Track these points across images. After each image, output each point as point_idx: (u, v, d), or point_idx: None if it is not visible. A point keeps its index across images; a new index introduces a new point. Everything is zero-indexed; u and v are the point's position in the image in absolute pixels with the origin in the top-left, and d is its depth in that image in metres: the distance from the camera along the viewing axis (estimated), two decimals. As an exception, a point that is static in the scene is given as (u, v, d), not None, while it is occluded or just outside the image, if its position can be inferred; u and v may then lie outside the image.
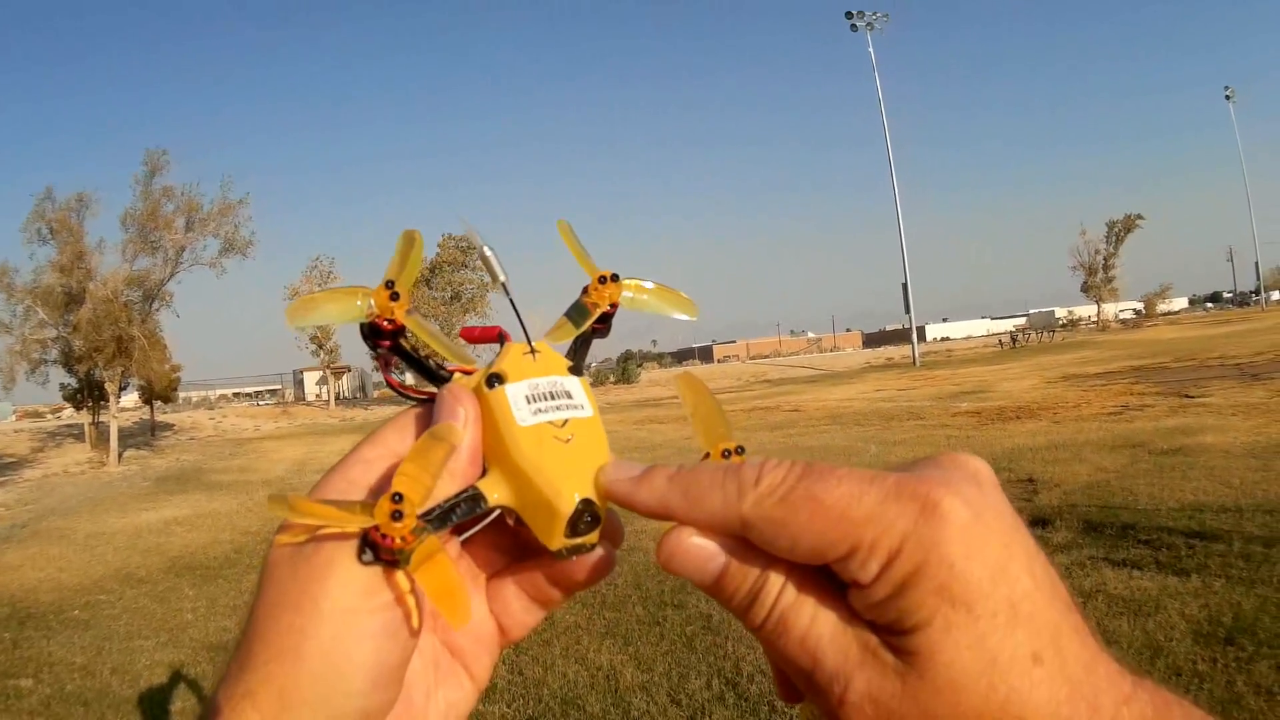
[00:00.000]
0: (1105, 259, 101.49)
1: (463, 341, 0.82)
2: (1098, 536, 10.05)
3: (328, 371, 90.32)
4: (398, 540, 0.63)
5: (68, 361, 42.22)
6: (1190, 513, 10.45)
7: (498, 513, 0.73)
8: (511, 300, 0.79)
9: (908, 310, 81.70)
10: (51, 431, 55.66)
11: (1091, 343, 71.23)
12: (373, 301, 0.74)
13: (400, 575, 0.66)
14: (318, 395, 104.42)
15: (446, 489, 0.69)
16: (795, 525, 0.59)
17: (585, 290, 0.84)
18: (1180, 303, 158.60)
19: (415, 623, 0.68)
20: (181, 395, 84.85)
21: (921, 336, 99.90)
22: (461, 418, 0.72)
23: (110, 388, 40.98)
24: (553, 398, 0.74)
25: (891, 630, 0.57)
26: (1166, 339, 62.41)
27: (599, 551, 0.73)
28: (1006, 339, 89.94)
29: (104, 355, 39.47)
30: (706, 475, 0.64)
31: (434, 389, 0.77)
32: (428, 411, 0.75)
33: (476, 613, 0.79)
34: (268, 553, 0.69)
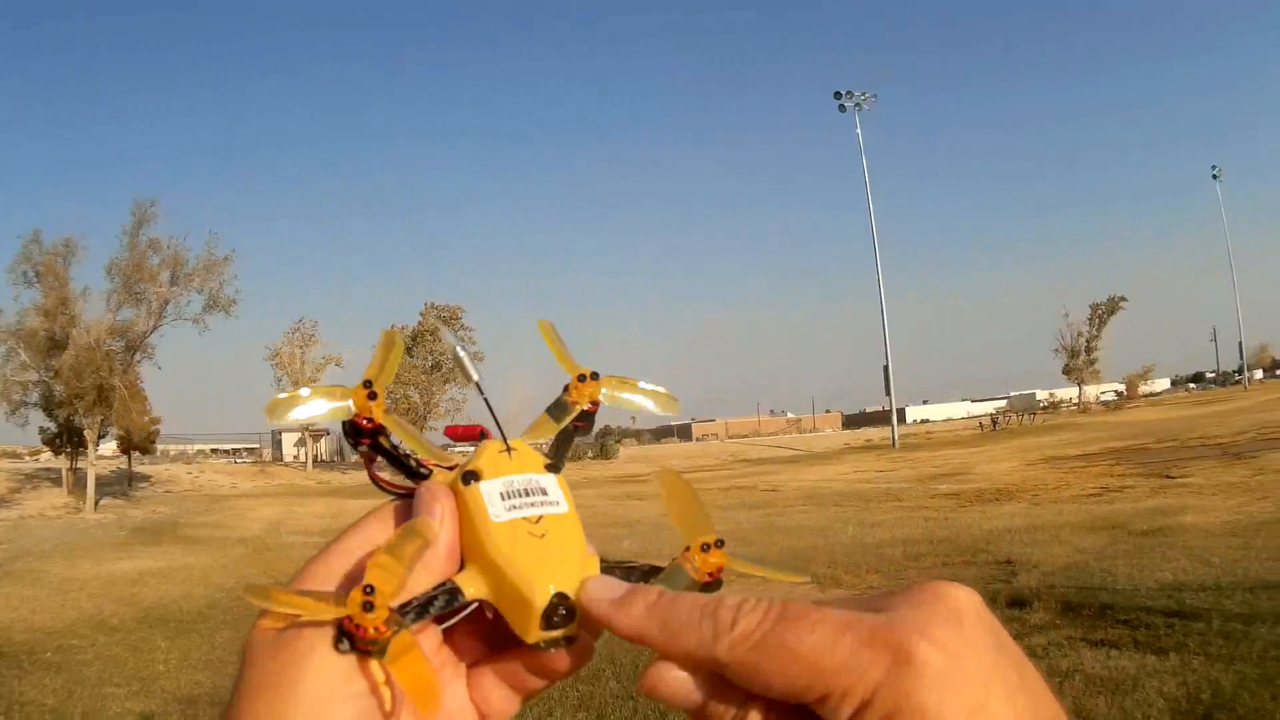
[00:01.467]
0: (1088, 341, 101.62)
1: (446, 440, 0.87)
2: (1075, 617, 10.05)
3: (306, 434, 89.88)
4: (371, 631, 0.63)
5: (48, 405, 42.14)
6: (1170, 592, 10.50)
7: (475, 606, 0.73)
8: (485, 399, 0.81)
9: (888, 392, 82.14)
10: (29, 474, 55.28)
11: (1073, 425, 71.36)
12: (351, 401, 0.76)
13: (375, 665, 0.66)
14: (295, 456, 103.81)
15: (425, 583, 0.70)
16: (768, 672, 0.59)
17: (565, 389, 0.86)
18: (1162, 383, 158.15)
19: (388, 709, 0.68)
20: (159, 447, 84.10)
21: (901, 418, 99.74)
22: (438, 514, 0.73)
23: (89, 435, 40.86)
24: (527, 494, 0.75)
25: None
26: (1148, 420, 62.55)
27: (577, 642, 0.73)
28: (987, 421, 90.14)
29: (84, 402, 39.41)
30: (685, 611, 0.65)
31: (413, 484, 0.78)
32: (408, 505, 0.76)
33: (456, 701, 0.78)
34: (249, 634, 0.70)
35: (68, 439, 44.88)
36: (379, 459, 0.79)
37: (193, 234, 43.76)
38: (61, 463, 48.04)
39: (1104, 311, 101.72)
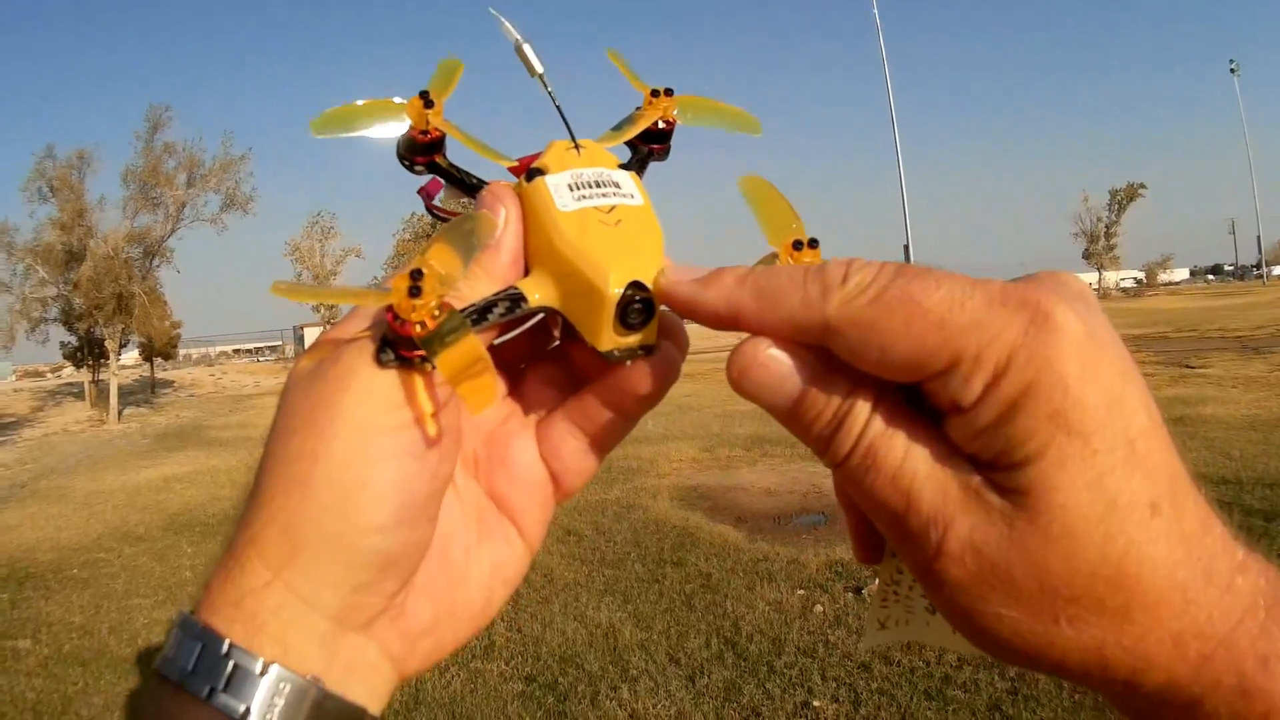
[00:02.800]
0: (1107, 227, 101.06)
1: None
2: None
3: (327, 327, 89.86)
4: (417, 326, 0.55)
5: (68, 320, 42.06)
6: (1191, 483, 10.39)
7: (540, 316, 0.70)
8: (550, 93, 0.73)
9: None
10: (51, 390, 55.33)
11: (1093, 311, 71.13)
12: (410, 109, 0.69)
13: (422, 390, 0.58)
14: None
15: (484, 290, 0.63)
16: (888, 330, 0.51)
17: (635, 110, 0.78)
18: (1181, 273, 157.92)
19: (448, 447, 0.61)
20: (182, 352, 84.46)
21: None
22: (501, 215, 0.66)
23: (110, 345, 40.79)
24: (599, 185, 0.68)
25: (997, 466, 0.50)
26: (1167, 309, 62.24)
27: (659, 352, 0.66)
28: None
29: (104, 313, 39.33)
30: (785, 274, 0.56)
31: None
32: None
33: (525, 457, 0.71)
34: (287, 377, 0.63)
35: (89, 351, 44.90)
36: (438, 190, 0.74)
37: (208, 135, 43.70)
38: (84, 376, 48.09)
39: (1123, 198, 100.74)
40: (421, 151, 0.71)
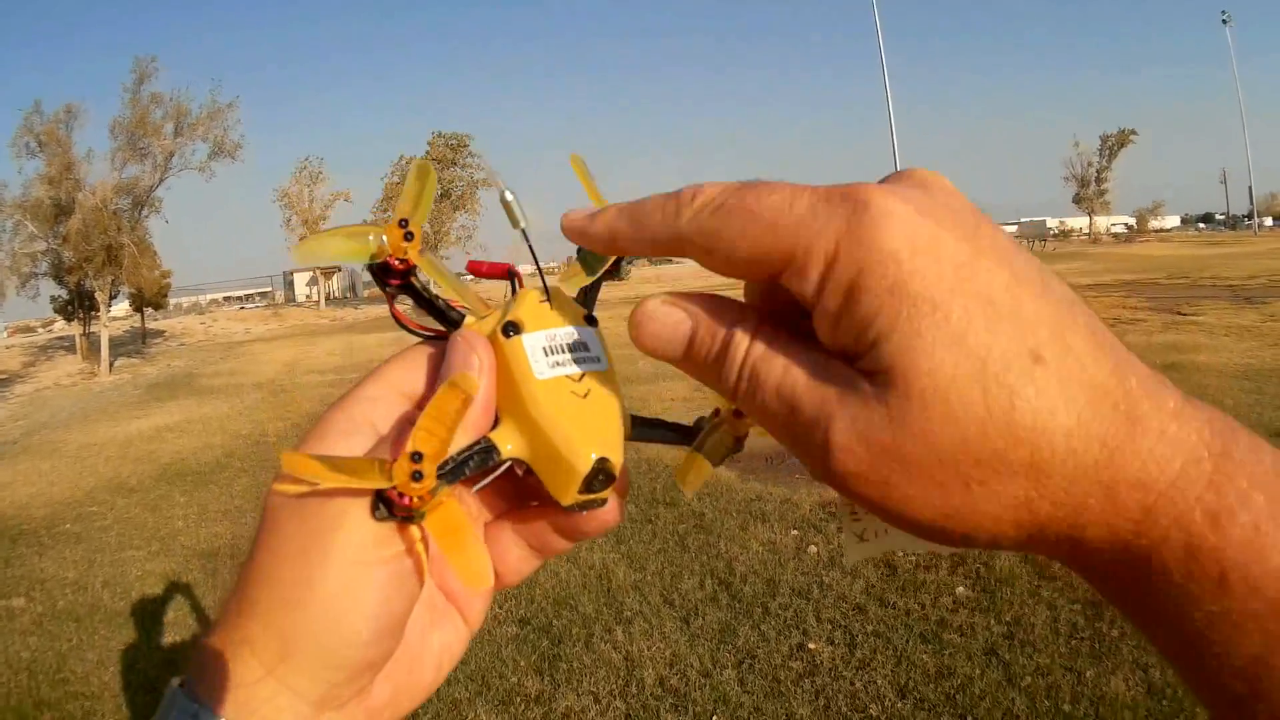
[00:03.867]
0: (1098, 172, 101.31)
1: (467, 274, 0.78)
2: None
3: (317, 272, 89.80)
4: (415, 500, 0.60)
5: (58, 273, 41.98)
6: (1185, 432, 10.40)
7: (509, 465, 0.69)
8: (530, 247, 0.76)
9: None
10: (43, 345, 55.38)
11: (1084, 254, 71.19)
12: (385, 239, 0.69)
13: (412, 527, 0.63)
14: (308, 296, 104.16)
15: (459, 440, 0.65)
16: (729, 235, 0.55)
17: None
18: (1172, 221, 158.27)
19: (423, 573, 0.66)
20: (172, 301, 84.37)
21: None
22: (476, 366, 0.67)
23: (101, 297, 40.80)
24: (570, 350, 0.70)
25: (859, 353, 0.51)
26: (1158, 255, 62.38)
27: (609, 505, 0.71)
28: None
29: (94, 265, 39.31)
30: (650, 200, 0.62)
31: (439, 326, 0.74)
32: (435, 349, 0.72)
33: None
34: (266, 497, 0.66)
35: (79, 304, 44.94)
36: (403, 298, 0.74)
37: (195, 84, 43.69)
38: (74, 329, 48.10)
39: (1114, 143, 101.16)
40: (396, 276, 0.71)
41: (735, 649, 6.16)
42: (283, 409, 20.42)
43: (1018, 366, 0.47)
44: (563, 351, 0.70)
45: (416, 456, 0.60)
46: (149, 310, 61.64)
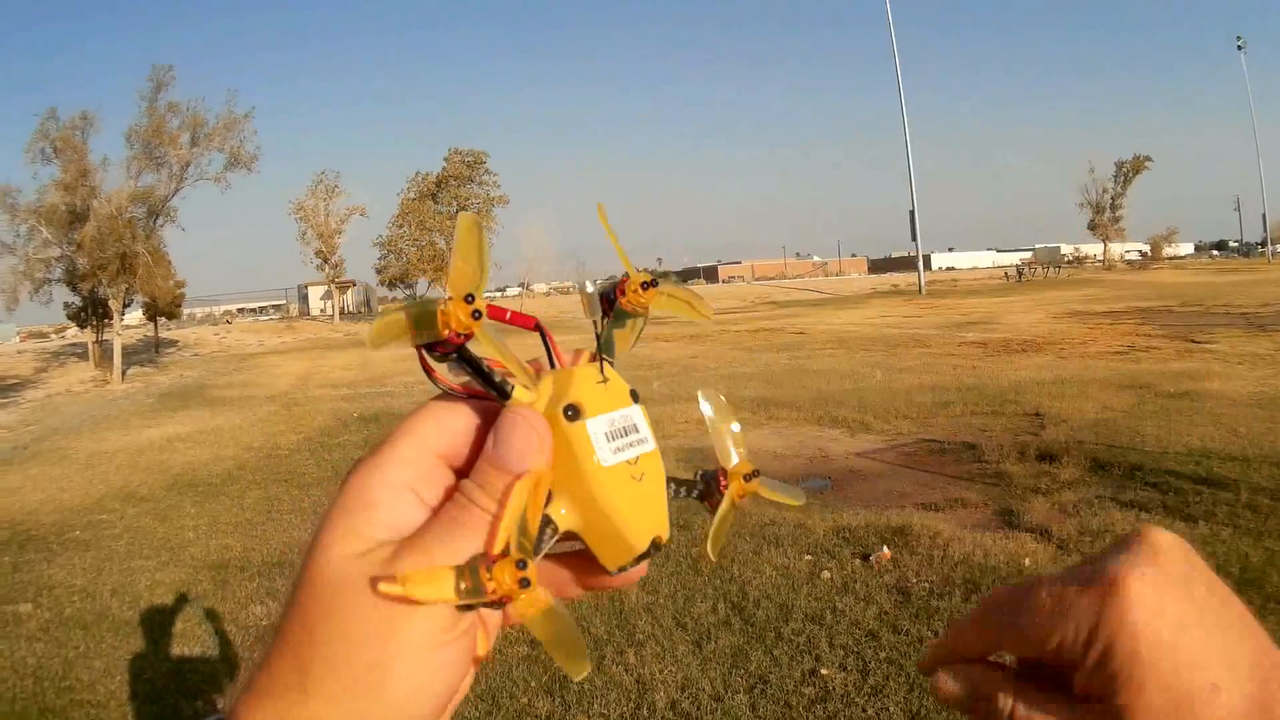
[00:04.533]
0: (1113, 198, 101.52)
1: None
2: (1105, 475, 10.12)
3: (332, 286, 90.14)
4: (507, 594, 0.63)
5: (71, 280, 42.08)
6: (1197, 458, 10.49)
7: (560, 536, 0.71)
8: (598, 336, 0.78)
9: (914, 238, 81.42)
10: (55, 351, 55.54)
11: (1098, 281, 71.39)
12: (450, 315, 0.68)
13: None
14: (322, 310, 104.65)
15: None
16: (1019, 631, 0.70)
17: (622, 289, 0.79)
18: (1186, 248, 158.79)
19: (484, 650, 0.69)
20: (186, 311, 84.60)
21: (927, 265, 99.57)
22: (537, 447, 0.69)
23: (114, 305, 40.84)
24: (626, 434, 0.72)
25: (1104, 698, 0.64)
26: (1172, 283, 62.51)
27: (642, 567, 0.74)
28: (1013, 272, 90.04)
29: (108, 272, 39.33)
30: (965, 621, 0.78)
31: (479, 389, 0.72)
32: (467, 408, 0.72)
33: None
34: (325, 567, 0.65)
35: (92, 312, 45.03)
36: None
37: (211, 95, 43.78)
38: (88, 336, 48.23)
39: (1129, 170, 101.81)
40: (452, 346, 0.70)
41: (747, 674, 6.12)
42: (295, 422, 20.42)
43: (1203, 698, 0.62)
44: (622, 435, 0.71)
45: (522, 565, 0.62)
46: (162, 319, 61.84)
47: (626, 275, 0.79)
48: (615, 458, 0.70)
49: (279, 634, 0.65)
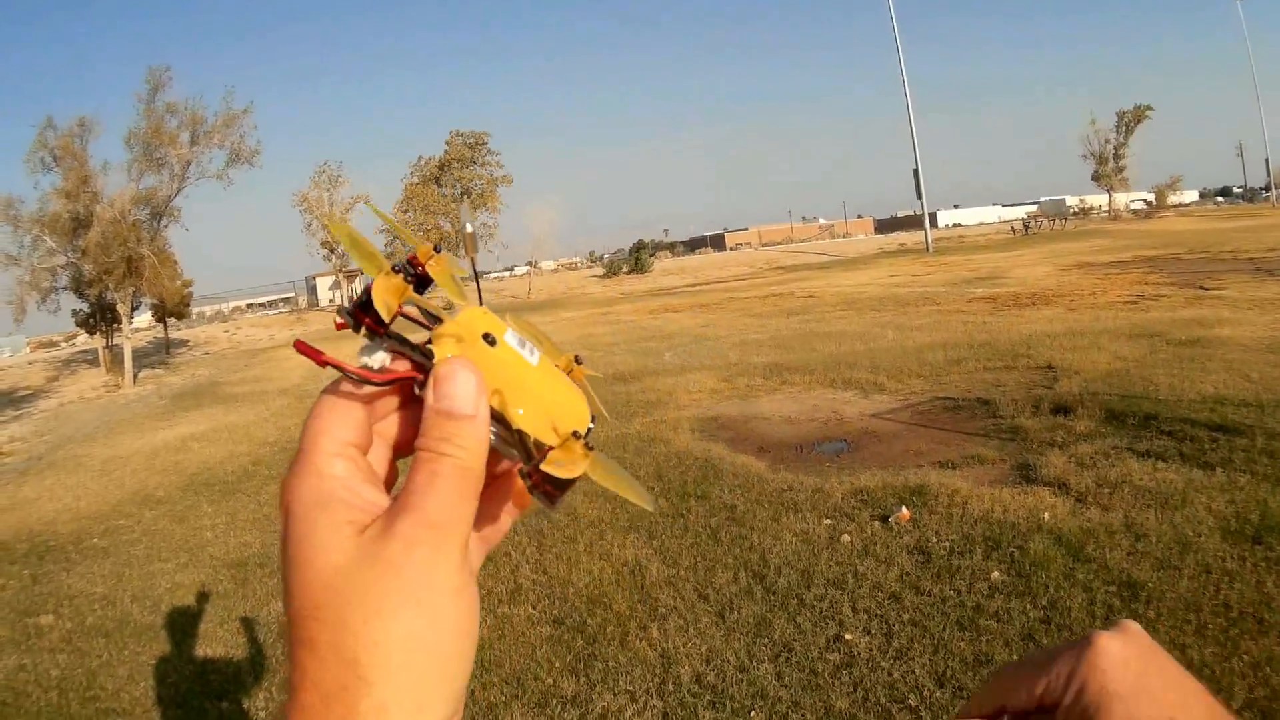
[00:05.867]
0: (1115, 149, 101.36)
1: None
2: (1120, 426, 10.10)
3: (340, 276, 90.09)
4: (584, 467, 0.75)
5: (78, 287, 42.08)
6: (1211, 405, 10.47)
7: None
8: (476, 276, 0.78)
9: (919, 196, 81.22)
10: (66, 359, 55.46)
11: (1104, 231, 71.20)
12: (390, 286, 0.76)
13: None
14: (331, 300, 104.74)
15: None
16: (1020, 681, 0.83)
17: (414, 261, 0.83)
18: (1190, 195, 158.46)
19: (476, 563, 0.76)
20: (194, 310, 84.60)
21: (934, 223, 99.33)
22: (479, 387, 0.73)
23: (122, 309, 40.91)
24: (525, 343, 0.78)
25: None
26: (1178, 230, 62.48)
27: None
28: (1019, 226, 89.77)
29: (114, 277, 39.38)
30: (984, 692, 0.90)
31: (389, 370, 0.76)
32: (349, 396, 0.75)
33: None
34: (330, 560, 0.66)
35: (101, 317, 45.12)
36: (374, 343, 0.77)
37: (209, 92, 43.68)
38: (97, 342, 48.33)
39: (1130, 120, 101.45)
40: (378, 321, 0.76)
41: (771, 642, 6.10)
42: (308, 413, 20.26)
43: None
44: (526, 344, 0.78)
45: (577, 435, 0.74)
46: (171, 320, 61.89)
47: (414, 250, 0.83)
48: (534, 358, 0.77)
49: (304, 653, 0.64)
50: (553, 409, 0.76)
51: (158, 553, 10.56)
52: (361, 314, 0.75)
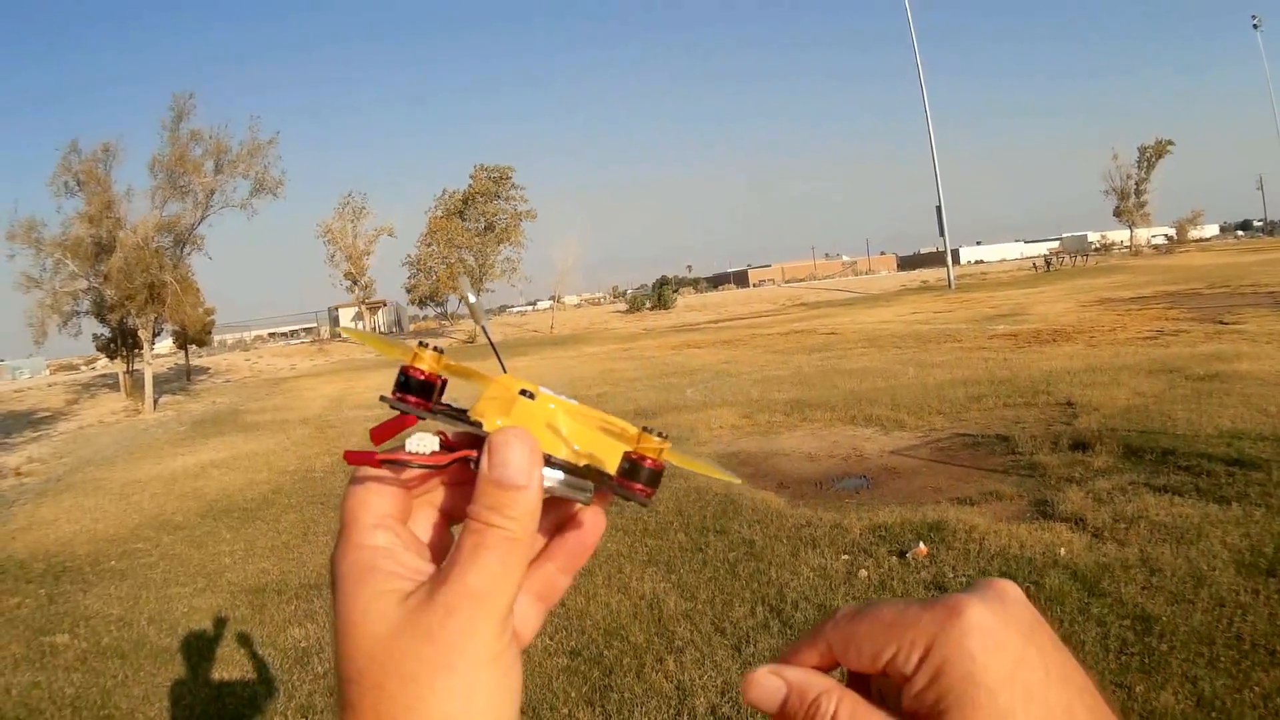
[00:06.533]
0: (1137, 184, 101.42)
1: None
2: (1138, 461, 10.09)
3: (363, 307, 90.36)
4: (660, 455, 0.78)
5: (99, 311, 42.24)
6: (1229, 440, 10.45)
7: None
8: (490, 341, 0.92)
9: (941, 233, 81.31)
10: (86, 383, 55.64)
11: (1125, 267, 71.12)
12: (422, 358, 0.80)
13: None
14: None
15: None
16: (860, 637, 0.70)
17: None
18: (1211, 229, 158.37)
19: (529, 635, 0.79)
20: (216, 338, 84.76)
21: (956, 259, 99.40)
22: (533, 458, 0.74)
23: (144, 334, 41.07)
24: (558, 392, 0.81)
25: (931, 717, 0.65)
26: (1199, 265, 62.34)
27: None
28: (1041, 262, 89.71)
29: (136, 303, 39.50)
30: (800, 637, 0.76)
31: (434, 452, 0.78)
32: (381, 478, 0.77)
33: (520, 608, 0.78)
34: (371, 628, 0.69)
35: (122, 342, 45.27)
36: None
37: (234, 122, 43.89)
38: (118, 367, 48.46)
39: (1151, 155, 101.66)
40: (424, 395, 0.80)
41: (788, 677, 6.07)
42: (329, 444, 20.48)
43: None
44: (558, 393, 0.81)
45: (651, 432, 0.77)
46: (193, 347, 62.09)
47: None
48: (568, 401, 0.80)
49: (349, 716, 0.68)
50: (609, 427, 0.78)
51: (175, 577, 10.58)
52: (405, 394, 0.78)
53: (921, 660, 0.66)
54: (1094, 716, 0.65)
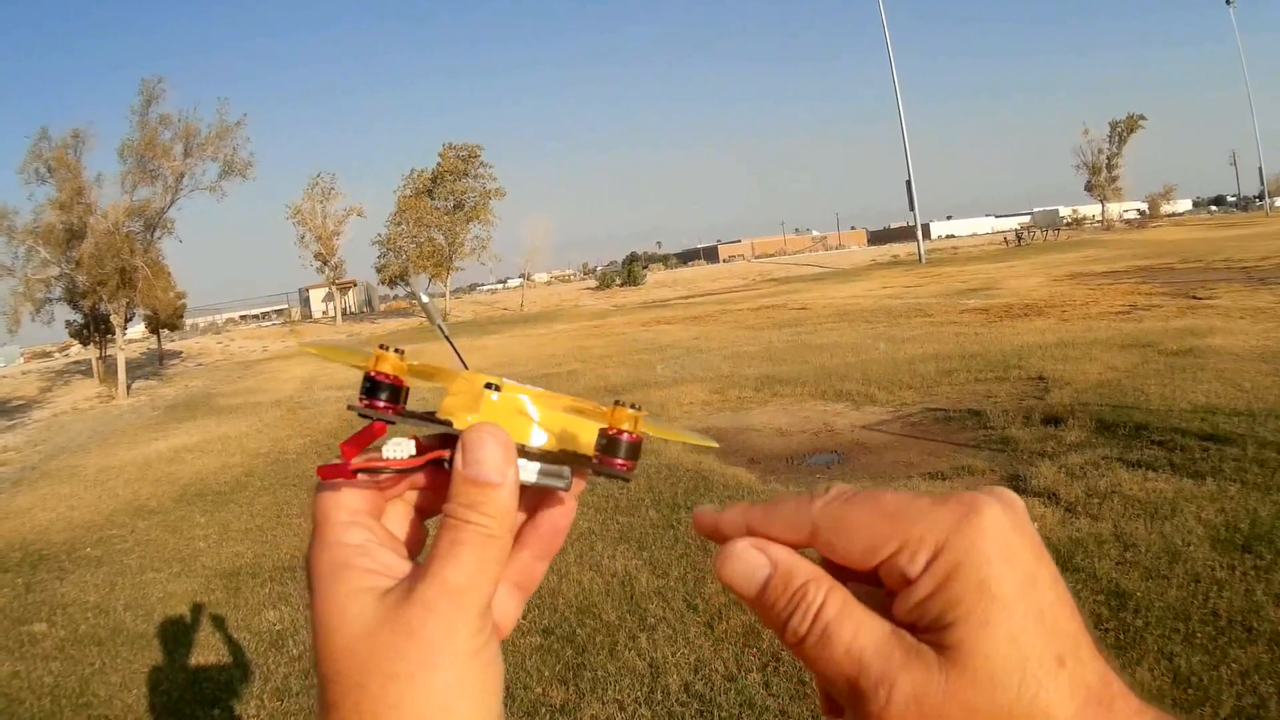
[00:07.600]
0: (1108, 159, 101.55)
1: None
2: (1111, 436, 10.13)
3: (334, 287, 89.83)
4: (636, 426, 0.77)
5: (72, 298, 42.05)
6: (1203, 415, 10.48)
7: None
8: (448, 338, 0.91)
9: (912, 208, 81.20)
10: (60, 370, 55.42)
11: (1097, 242, 71.28)
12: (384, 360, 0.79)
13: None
14: (324, 312, 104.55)
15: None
16: (854, 521, 0.63)
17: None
18: (1184, 204, 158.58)
19: (507, 627, 0.79)
20: (188, 322, 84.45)
21: (926, 234, 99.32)
22: (506, 455, 0.73)
23: (116, 320, 40.86)
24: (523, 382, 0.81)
25: (934, 628, 0.59)
26: (1171, 240, 62.49)
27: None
28: (1012, 237, 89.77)
29: (108, 288, 39.29)
30: (785, 497, 0.68)
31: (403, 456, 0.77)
32: (354, 484, 0.75)
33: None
34: (349, 625, 0.69)
35: (95, 328, 45.09)
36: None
37: (203, 104, 43.66)
38: (91, 353, 48.25)
39: (1123, 129, 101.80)
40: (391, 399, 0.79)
41: (760, 652, 6.13)
42: (302, 425, 20.49)
43: (1047, 666, 0.58)
44: (523, 382, 0.81)
45: (632, 406, 0.77)
46: (165, 331, 61.84)
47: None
48: (537, 387, 0.80)
49: (329, 715, 0.67)
50: (579, 408, 0.80)
51: (151, 562, 10.58)
52: (372, 400, 0.77)
53: (930, 562, 0.60)
54: (1095, 654, 0.61)
